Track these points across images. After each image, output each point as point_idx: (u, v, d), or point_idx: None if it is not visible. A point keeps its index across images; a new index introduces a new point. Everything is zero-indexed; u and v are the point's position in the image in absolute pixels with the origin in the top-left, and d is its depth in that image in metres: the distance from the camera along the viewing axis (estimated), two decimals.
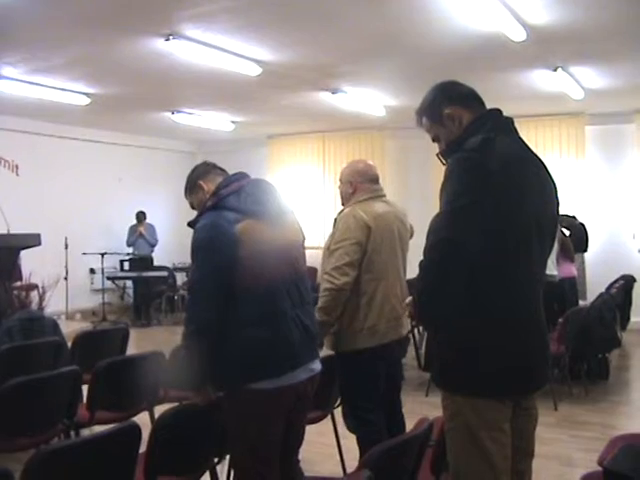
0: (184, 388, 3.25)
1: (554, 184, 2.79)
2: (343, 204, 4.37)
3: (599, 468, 3.00)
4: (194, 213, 3.44)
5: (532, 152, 2.75)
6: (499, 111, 2.76)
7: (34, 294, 10.50)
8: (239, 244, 3.05)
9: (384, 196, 4.37)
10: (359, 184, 4.28)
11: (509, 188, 2.48)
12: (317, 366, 3.34)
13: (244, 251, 3.05)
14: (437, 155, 2.78)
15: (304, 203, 13.51)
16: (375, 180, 4.36)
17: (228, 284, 3.05)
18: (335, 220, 4.23)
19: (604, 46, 7.49)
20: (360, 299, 4.11)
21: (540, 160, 2.77)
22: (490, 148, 2.51)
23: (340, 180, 4.41)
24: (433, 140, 2.82)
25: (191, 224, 3.31)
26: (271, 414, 3.13)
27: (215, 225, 3.10)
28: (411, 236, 4.65)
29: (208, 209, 3.22)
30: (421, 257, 2.52)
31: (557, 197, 2.81)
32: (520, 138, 2.74)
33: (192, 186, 3.47)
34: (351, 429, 4.27)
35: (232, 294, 3.05)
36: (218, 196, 3.22)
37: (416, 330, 8.20)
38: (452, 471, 2.65)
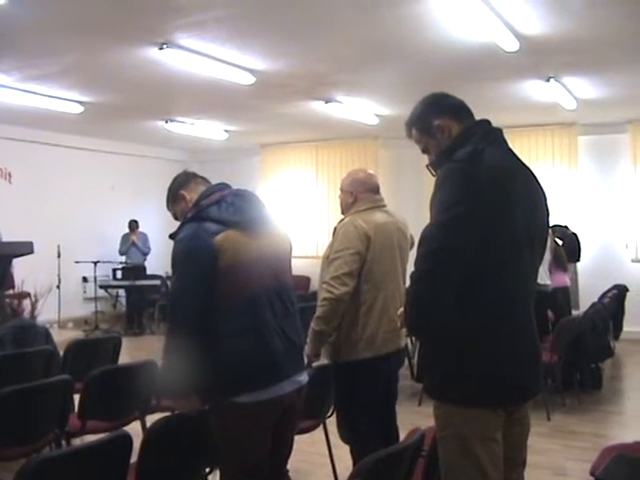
0: (168, 397, 3.22)
1: (544, 194, 2.79)
2: (343, 213, 4.34)
3: (591, 478, 3.00)
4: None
5: (522, 162, 2.75)
6: (488, 122, 2.77)
7: (26, 302, 10.52)
8: (219, 255, 3.02)
9: (385, 206, 4.34)
10: (359, 193, 4.25)
11: (498, 198, 2.48)
12: (304, 378, 3.31)
13: (224, 262, 3.02)
14: (427, 166, 2.79)
15: (297, 212, 13.53)
16: (376, 190, 4.33)
17: (209, 296, 3.02)
18: (335, 229, 4.20)
19: (597, 57, 7.52)
20: (359, 309, 4.09)
21: (530, 170, 2.77)
22: (479, 159, 2.51)
23: (341, 189, 4.38)
24: (423, 151, 2.83)
25: (172, 236, 3.28)
26: (256, 427, 3.11)
27: (195, 236, 3.07)
28: (412, 247, 4.61)
29: (188, 220, 3.19)
30: None
31: (547, 207, 2.81)
32: (510, 149, 2.75)
33: (174, 196, 3.45)
34: (345, 439, 4.24)
35: (213, 306, 3.02)
36: (198, 207, 3.20)
37: (409, 340, 8.21)
38: None
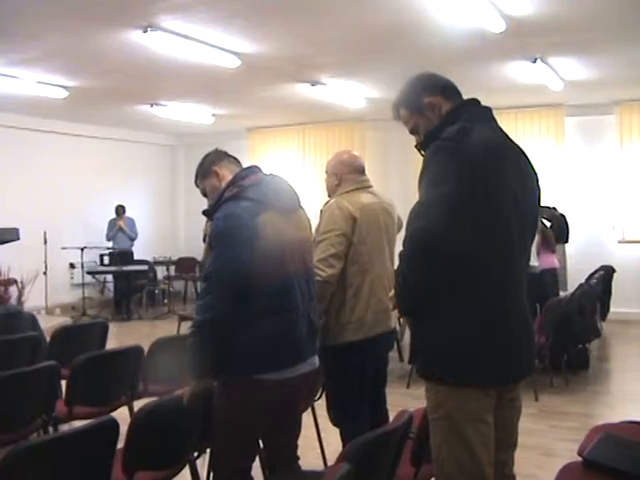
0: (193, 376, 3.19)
1: (535, 173, 2.78)
2: (329, 195, 4.33)
3: (579, 458, 3.01)
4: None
5: (512, 141, 2.74)
6: (477, 101, 2.76)
7: (13, 289, 10.49)
8: (260, 235, 3.05)
9: (370, 187, 4.31)
10: (345, 175, 4.23)
11: (487, 176, 2.48)
12: (317, 361, 3.38)
13: (264, 242, 3.06)
14: (415, 146, 2.78)
15: None
16: (361, 171, 4.31)
17: (246, 274, 3.03)
18: (321, 211, 4.19)
19: (583, 38, 7.51)
20: (346, 291, 4.07)
21: (520, 149, 2.76)
22: (467, 137, 2.50)
23: (326, 172, 4.36)
24: (411, 132, 2.81)
25: (207, 213, 3.31)
26: (268, 405, 3.17)
27: (236, 216, 3.09)
28: (400, 228, 4.59)
29: (227, 199, 3.19)
30: None
31: (538, 185, 2.80)
32: (499, 127, 2.73)
33: (205, 171, 3.43)
34: (335, 422, 4.24)
35: (247, 285, 3.04)
36: (239, 187, 3.21)
37: (397, 322, 8.21)
38: (434, 461, 2.66)
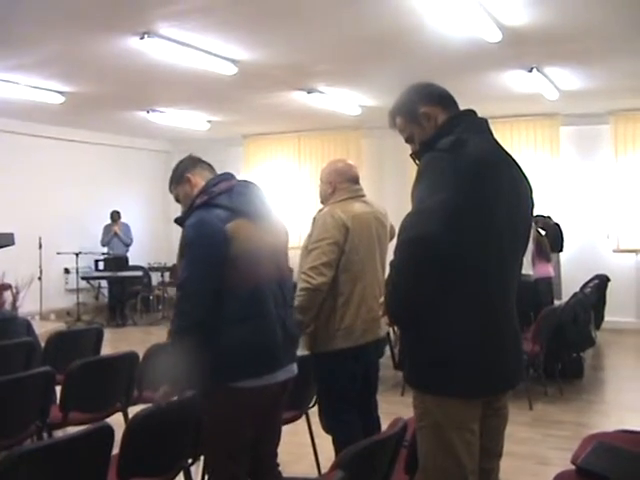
0: (168, 383, 3.23)
1: (529, 185, 2.80)
2: (322, 203, 4.35)
3: (573, 466, 3.02)
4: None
5: (506, 152, 2.75)
6: (473, 112, 2.77)
7: (7, 294, 10.45)
8: (229, 243, 3.07)
9: (364, 196, 4.35)
10: (338, 184, 4.26)
11: (481, 188, 2.49)
12: (295, 368, 3.37)
13: (234, 250, 3.07)
14: (410, 155, 2.79)
15: (280, 203, 13.49)
16: (355, 180, 4.33)
17: (217, 282, 3.06)
18: (314, 219, 4.21)
19: (579, 47, 7.54)
20: (337, 299, 4.10)
21: (514, 161, 2.77)
22: (462, 148, 2.51)
23: (320, 179, 4.38)
24: (406, 140, 2.82)
25: (179, 221, 3.31)
26: (247, 412, 3.15)
27: (207, 223, 3.11)
28: (392, 237, 4.62)
29: (198, 206, 3.21)
30: None
31: (532, 198, 2.81)
32: (494, 139, 2.74)
33: (179, 178, 3.45)
34: (326, 429, 4.26)
35: (219, 292, 3.07)
36: (209, 194, 3.22)
37: (391, 329, 8.22)
38: (421, 469, 2.67)
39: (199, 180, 3.36)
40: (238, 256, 3.08)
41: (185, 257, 3.14)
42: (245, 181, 3.39)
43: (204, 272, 3.05)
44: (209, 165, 3.50)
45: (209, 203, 3.18)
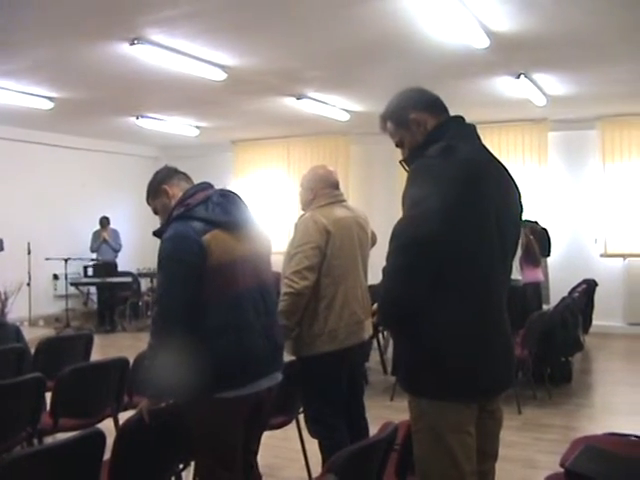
0: (147, 395, 3.23)
1: (518, 190, 2.83)
2: (303, 209, 4.40)
3: (561, 469, 3.04)
4: (157, 219, 3.43)
5: (495, 158, 2.78)
6: (462, 118, 2.79)
7: None
8: (207, 255, 3.06)
9: (344, 201, 4.42)
10: (319, 190, 4.32)
11: (469, 194, 2.51)
12: (279, 376, 3.37)
13: (211, 262, 3.06)
14: (400, 162, 2.81)
15: (269, 208, 13.50)
16: (335, 185, 4.40)
17: (195, 295, 3.05)
18: (295, 225, 4.26)
19: (566, 54, 7.58)
20: (319, 303, 4.13)
21: (503, 167, 2.80)
22: (451, 154, 2.54)
23: (301, 186, 4.44)
24: (397, 145, 2.85)
25: (157, 233, 3.30)
26: (233, 421, 3.16)
27: (183, 235, 3.09)
28: (374, 243, 4.68)
29: (175, 219, 3.20)
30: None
31: (521, 203, 2.84)
32: (483, 145, 2.77)
33: (155, 191, 3.44)
34: (313, 434, 4.28)
35: (198, 304, 3.06)
36: (186, 206, 3.21)
37: (381, 335, 8.24)
38: (418, 473, 2.68)
39: (176, 191, 3.36)
40: (215, 268, 3.07)
41: (162, 272, 3.14)
42: (222, 190, 3.37)
43: (179, 288, 3.05)
44: (185, 175, 3.48)
45: (185, 215, 3.17)
